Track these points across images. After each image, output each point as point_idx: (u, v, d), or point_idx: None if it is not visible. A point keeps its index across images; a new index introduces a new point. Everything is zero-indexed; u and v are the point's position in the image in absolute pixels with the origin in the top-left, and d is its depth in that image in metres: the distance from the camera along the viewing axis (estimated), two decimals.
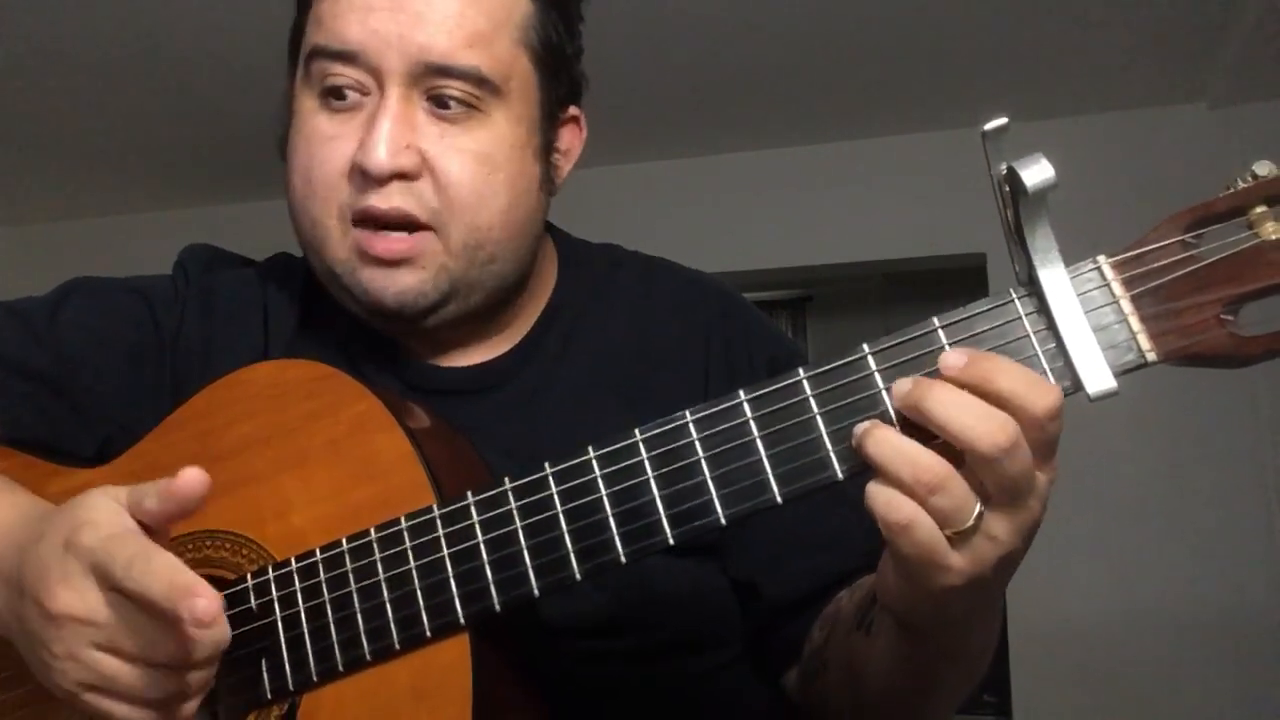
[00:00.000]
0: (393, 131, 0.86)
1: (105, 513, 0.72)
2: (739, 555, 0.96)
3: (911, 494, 0.62)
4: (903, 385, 0.64)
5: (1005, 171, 0.62)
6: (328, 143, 0.90)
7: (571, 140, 1.01)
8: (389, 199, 0.87)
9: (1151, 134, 3.63)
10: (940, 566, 0.64)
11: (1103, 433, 3.26)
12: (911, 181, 3.82)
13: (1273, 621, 3.34)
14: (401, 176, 0.87)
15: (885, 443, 0.63)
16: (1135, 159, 3.56)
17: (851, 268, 4.20)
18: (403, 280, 0.89)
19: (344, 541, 0.79)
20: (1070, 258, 0.65)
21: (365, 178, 0.87)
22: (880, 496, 0.63)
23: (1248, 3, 2.88)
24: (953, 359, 0.63)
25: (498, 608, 0.74)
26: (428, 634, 0.75)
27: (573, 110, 1.00)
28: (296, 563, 0.80)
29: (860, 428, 0.65)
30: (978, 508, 0.63)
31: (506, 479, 0.76)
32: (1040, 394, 0.61)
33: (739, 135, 3.91)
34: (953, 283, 4.70)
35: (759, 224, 3.97)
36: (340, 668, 0.78)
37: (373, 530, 0.78)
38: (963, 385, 0.63)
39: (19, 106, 3.48)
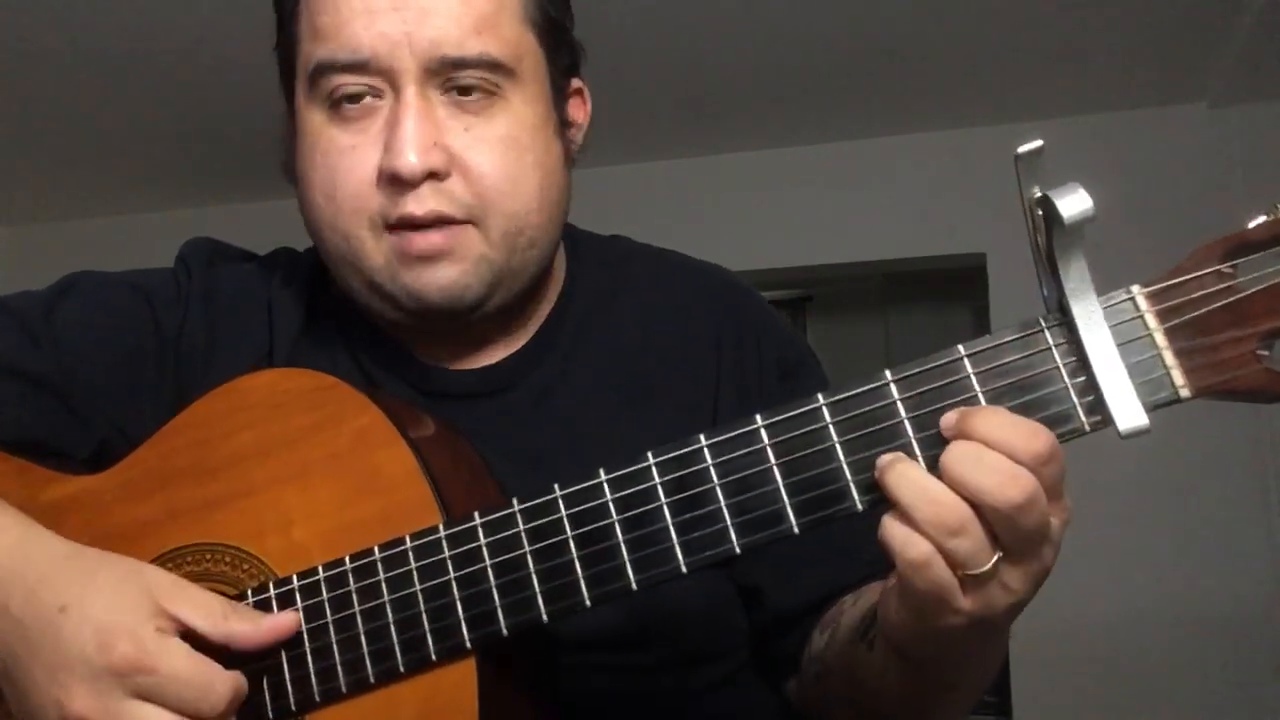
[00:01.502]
0: (418, 131, 0.84)
1: (143, 620, 0.74)
2: (745, 562, 0.95)
3: (930, 534, 0.62)
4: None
5: (1039, 197, 0.60)
6: (347, 154, 0.87)
7: (579, 111, 0.99)
8: (424, 203, 0.85)
9: (1151, 134, 3.62)
10: (950, 608, 0.63)
11: (1103, 432, 3.25)
12: (911, 181, 3.81)
13: (1273, 622, 3.34)
14: (433, 176, 0.86)
15: (906, 478, 0.63)
16: (1135, 159, 3.56)
17: (851, 268, 4.19)
18: (445, 274, 0.87)
19: (347, 560, 0.78)
20: (1089, 274, 0.63)
21: (397, 183, 0.85)
22: (898, 532, 0.63)
23: (1248, 3, 2.88)
24: (944, 420, 0.64)
25: (505, 632, 0.73)
26: (433, 657, 0.74)
27: (576, 83, 0.98)
28: (299, 580, 0.79)
29: (883, 460, 0.64)
30: (996, 554, 0.62)
31: (515, 500, 0.74)
32: (1025, 439, 0.61)
33: (739, 135, 3.90)
34: (953, 283, 4.70)
35: (759, 224, 3.96)
36: (344, 689, 0.77)
37: (377, 549, 0.77)
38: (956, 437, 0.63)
39: (19, 106, 3.45)
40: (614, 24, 2.77)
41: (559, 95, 0.94)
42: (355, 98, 0.87)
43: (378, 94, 0.87)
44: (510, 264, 0.90)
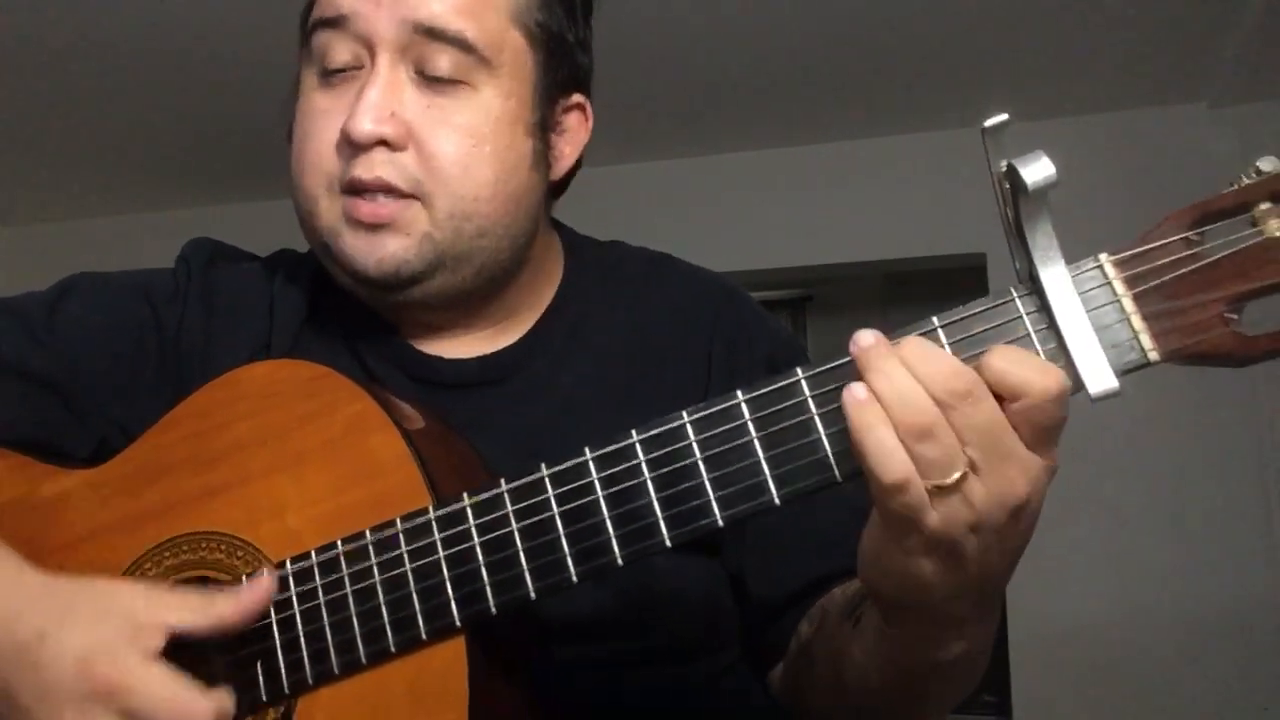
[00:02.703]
0: (378, 99, 0.88)
1: (121, 642, 0.74)
2: (731, 550, 0.96)
3: (901, 435, 0.61)
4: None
5: (1005, 169, 0.61)
6: (321, 116, 0.91)
7: (576, 126, 1.01)
8: (372, 169, 0.88)
9: (1151, 134, 3.62)
10: (916, 526, 0.63)
11: (1103, 431, 3.26)
12: (911, 181, 3.82)
13: (1273, 621, 3.33)
14: (385, 145, 0.88)
15: (885, 376, 0.62)
16: (1135, 159, 3.56)
17: (851, 268, 4.19)
18: (386, 246, 0.90)
19: (339, 544, 0.79)
20: (1070, 258, 0.64)
21: (352, 147, 0.88)
22: (876, 450, 0.62)
23: (1248, 3, 2.88)
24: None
25: (494, 610, 0.74)
26: (423, 636, 0.75)
27: (576, 97, 1.00)
28: (291, 565, 0.80)
29: (863, 343, 0.64)
30: (963, 467, 0.61)
31: (503, 480, 0.75)
32: (1040, 377, 0.61)
33: (739, 135, 3.91)
34: (953, 283, 4.69)
35: (759, 224, 3.97)
36: (336, 670, 0.77)
37: (368, 532, 0.78)
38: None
39: (19, 106, 3.47)
40: (614, 24, 2.77)
41: (547, 101, 0.96)
42: (341, 70, 0.91)
43: (358, 64, 0.90)
44: (456, 248, 0.91)
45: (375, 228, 0.89)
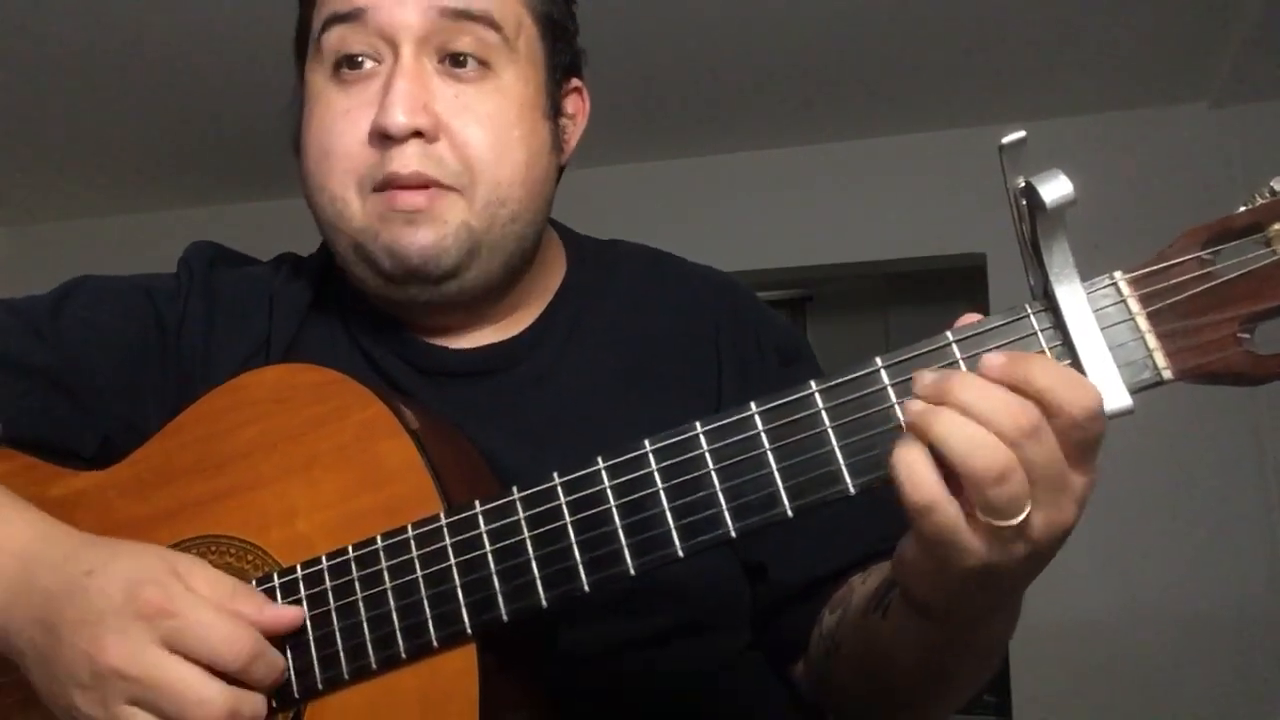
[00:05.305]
0: (409, 91, 0.88)
1: (165, 574, 0.75)
2: (747, 541, 0.96)
3: (974, 482, 0.60)
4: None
5: (1023, 186, 0.61)
6: (343, 116, 0.91)
7: (576, 108, 1.03)
8: (409, 164, 0.88)
9: (1151, 134, 3.62)
10: (959, 548, 0.62)
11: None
12: (911, 181, 3.82)
13: (1273, 621, 3.34)
14: (420, 137, 0.88)
15: (947, 419, 0.61)
16: (1135, 159, 3.56)
17: (851, 268, 4.19)
18: (425, 236, 0.89)
19: (350, 549, 0.79)
20: (1072, 258, 0.64)
21: (385, 141, 0.88)
22: (905, 474, 0.61)
23: (1248, 3, 2.88)
24: (993, 359, 0.61)
25: (505, 618, 0.74)
26: (434, 643, 0.75)
27: (575, 81, 1.02)
28: (302, 570, 0.80)
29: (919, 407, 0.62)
30: (1029, 506, 0.61)
31: (515, 488, 0.75)
32: (1079, 394, 0.60)
33: (739, 135, 3.90)
34: (953, 283, 4.70)
35: (759, 224, 3.97)
36: (346, 676, 0.78)
37: (379, 538, 0.78)
38: (1000, 383, 0.61)
39: (18, 106, 3.46)
40: (615, 24, 2.78)
41: (555, 84, 0.98)
42: (355, 61, 0.90)
43: (377, 59, 0.90)
44: (490, 234, 0.92)
45: (413, 218, 0.89)
